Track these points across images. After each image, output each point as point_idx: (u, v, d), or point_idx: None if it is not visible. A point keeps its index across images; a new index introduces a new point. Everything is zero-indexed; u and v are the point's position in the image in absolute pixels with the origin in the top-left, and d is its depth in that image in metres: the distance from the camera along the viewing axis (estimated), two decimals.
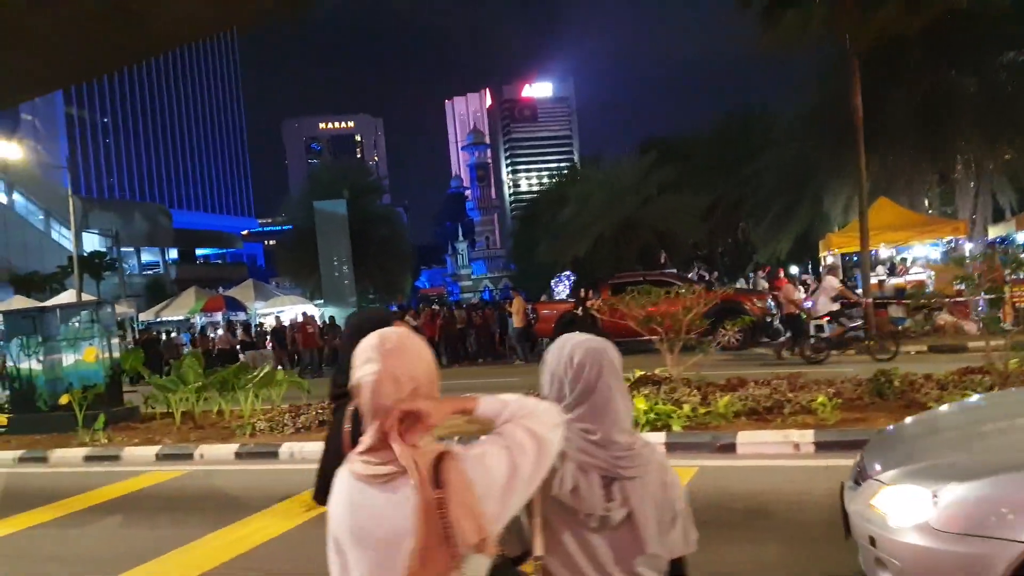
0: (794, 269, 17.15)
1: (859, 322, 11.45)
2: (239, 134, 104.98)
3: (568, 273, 21.28)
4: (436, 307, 18.14)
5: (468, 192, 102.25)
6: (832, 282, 11.35)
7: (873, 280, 13.49)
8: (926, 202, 16.96)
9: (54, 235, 43.76)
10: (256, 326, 22.91)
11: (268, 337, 18.33)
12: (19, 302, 26.56)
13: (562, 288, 24.46)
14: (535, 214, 32.69)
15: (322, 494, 1.61)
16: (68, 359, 10.55)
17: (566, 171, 32.32)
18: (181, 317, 26.89)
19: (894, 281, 14.64)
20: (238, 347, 16.01)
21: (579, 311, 12.60)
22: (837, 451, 5.51)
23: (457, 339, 16.66)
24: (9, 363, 11.10)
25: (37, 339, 10.65)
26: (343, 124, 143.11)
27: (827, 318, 11.17)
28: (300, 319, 17.67)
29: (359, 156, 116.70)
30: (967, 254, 14.31)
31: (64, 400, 10.06)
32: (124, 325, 23.48)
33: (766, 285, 17.54)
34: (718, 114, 26.95)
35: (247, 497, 6.32)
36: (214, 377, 9.57)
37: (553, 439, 1.27)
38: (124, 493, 6.90)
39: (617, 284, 15.45)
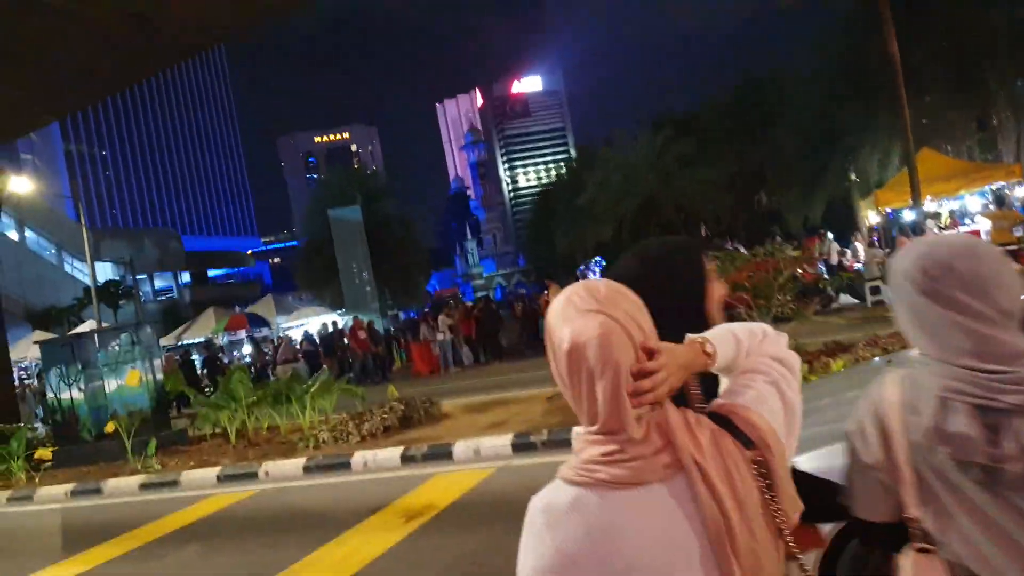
0: (830, 235, 16.49)
1: None
2: (236, 154, 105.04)
3: (598, 259, 20.73)
4: (471, 302, 17.62)
5: (471, 191, 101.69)
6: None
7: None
8: (966, 151, 16.36)
9: (67, 268, 43.61)
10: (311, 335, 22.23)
11: (299, 348, 17.93)
12: (39, 338, 26.35)
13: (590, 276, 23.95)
14: (547, 205, 32.17)
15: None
16: (110, 385, 10.14)
17: (575, 158, 31.69)
18: (202, 339, 26.57)
19: (947, 234, 14.06)
20: (301, 357, 15.63)
21: None
22: None
23: (494, 335, 16.20)
24: (49, 394, 10.68)
25: (77, 367, 10.24)
26: (338, 135, 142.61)
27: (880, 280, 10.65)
28: (349, 324, 17.23)
29: (356, 166, 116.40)
30: (1017, 200, 13.71)
31: (110, 428, 9.64)
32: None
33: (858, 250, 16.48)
34: (726, 84, 26.29)
35: (333, 512, 5.87)
36: (266, 390, 9.13)
37: (794, 358, 1.08)
38: (195, 519, 6.46)
39: None
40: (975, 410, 1.01)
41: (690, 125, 25.05)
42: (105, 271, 39.71)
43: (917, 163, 13.02)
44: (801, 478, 1.00)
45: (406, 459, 7.00)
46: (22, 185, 23.28)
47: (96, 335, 10.65)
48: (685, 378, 0.95)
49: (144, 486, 8.19)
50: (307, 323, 25.07)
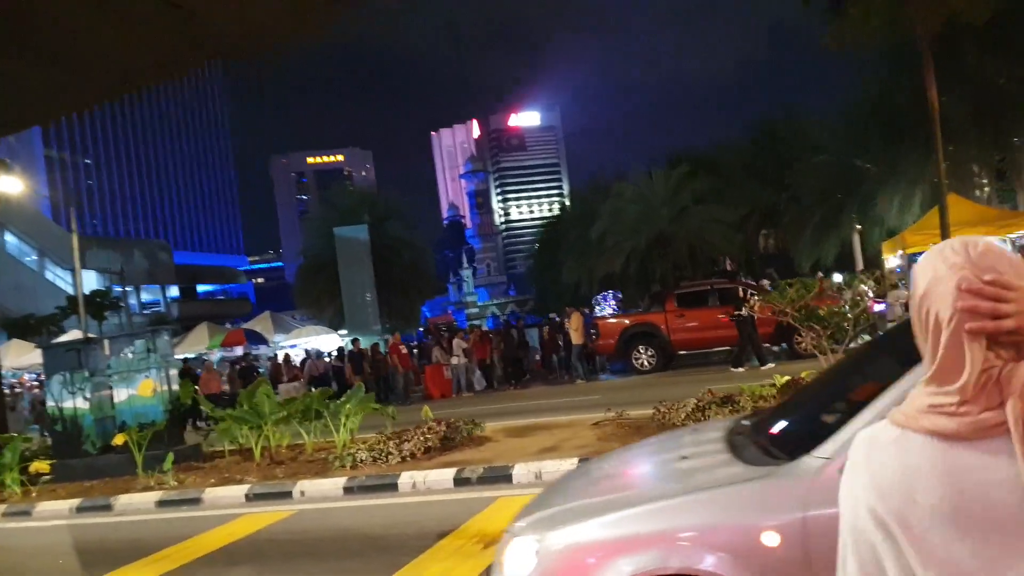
0: (837, 276, 16.47)
1: None
2: (227, 172, 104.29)
3: (611, 292, 20.50)
4: (488, 328, 17.22)
5: (466, 220, 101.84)
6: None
7: None
8: (984, 199, 16.57)
9: (48, 275, 42.28)
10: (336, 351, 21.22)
11: (302, 366, 17.30)
12: (17, 346, 25.24)
13: (606, 308, 23.69)
14: (556, 236, 32.06)
15: None
16: (120, 395, 9.53)
17: (587, 189, 31.76)
18: (195, 355, 25.74)
19: None
20: (330, 373, 15.03)
21: (742, 312, 12.15)
22: None
23: (511, 360, 15.79)
24: (50, 403, 10.00)
25: (83, 374, 9.62)
26: (332, 157, 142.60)
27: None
28: (385, 341, 16.67)
29: (351, 188, 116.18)
30: None
31: (119, 440, 9.00)
32: None
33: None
34: (743, 125, 26.68)
35: (392, 535, 5.40)
36: (295, 405, 8.61)
37: None
38: (233, 539, 5.91)
39: (683, 294, 14.79)
40: None
41: (706, 163, 25.25)
42: (90, 281, 38.52)
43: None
44: None
45: (459, 481, 6.55)
46: (12, 185, 22.30)
47: (107, 341, 10.06)
48: None
49: (162, 503, 7.59)
50: (306, 342, 24.41)
